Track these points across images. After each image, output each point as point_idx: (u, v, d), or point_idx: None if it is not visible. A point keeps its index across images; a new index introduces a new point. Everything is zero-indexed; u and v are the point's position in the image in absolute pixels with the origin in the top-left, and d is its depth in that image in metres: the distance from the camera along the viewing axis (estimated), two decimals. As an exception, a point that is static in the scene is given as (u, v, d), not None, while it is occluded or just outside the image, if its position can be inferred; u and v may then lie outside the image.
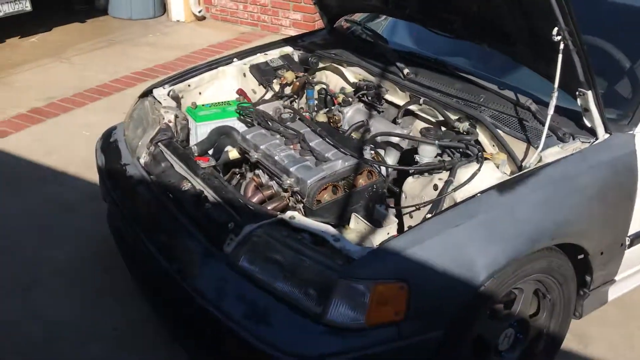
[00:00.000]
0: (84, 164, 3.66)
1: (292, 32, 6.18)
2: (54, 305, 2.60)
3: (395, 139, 2.33)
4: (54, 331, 2.47)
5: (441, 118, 2.33)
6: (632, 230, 2.17)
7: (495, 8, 2.02)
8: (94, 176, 3.52)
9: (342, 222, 2.05)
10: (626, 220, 2.13)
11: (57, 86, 4.86)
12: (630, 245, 2.20)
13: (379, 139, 2.33)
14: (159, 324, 2.44)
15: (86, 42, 5.97)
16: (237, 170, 2.56)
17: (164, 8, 6.92)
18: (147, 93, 2.76)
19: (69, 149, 3.88)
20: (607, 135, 2.08)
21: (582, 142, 2.08)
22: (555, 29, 1.81)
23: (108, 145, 2.66)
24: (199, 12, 6.78)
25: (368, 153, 2.21)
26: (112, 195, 2.40)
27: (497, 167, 2.04)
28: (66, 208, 3.27)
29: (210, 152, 2.53)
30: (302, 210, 2.08)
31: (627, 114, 2.17)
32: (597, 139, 2.08)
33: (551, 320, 2.14)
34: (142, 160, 2.42)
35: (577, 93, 1.99)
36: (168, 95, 2.73)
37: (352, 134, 2.43)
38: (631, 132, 2.12)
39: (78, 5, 7.02)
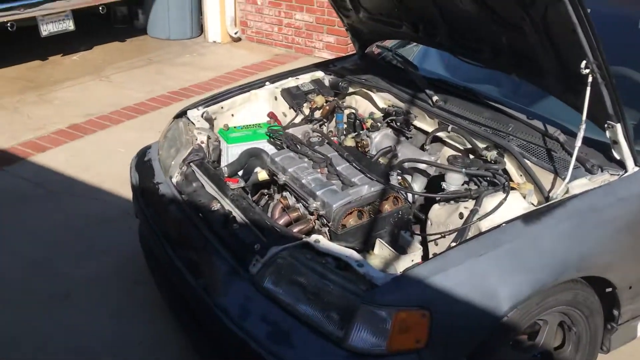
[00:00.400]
0: (119, 180, 3.76)
1: (326, 55, 6.27)
2: (85, 317, 2.67)
3: (422, 166, 2.35)
4: (83, 343, 2.53)
5: (469, 146, 2.34)
6: (662, 265, 2.14)
7: (524, 40, 2.04)
8: (128, 192, 3.61)
9: (366, 247, 2.07)
10: (656, 255, 2.10)
11: (96, 103, 5.02)
12: (661, 280, 2.17)
13: (406, 164, 2.35)
14: (184, 338, 2.49)
15: (125, 61, 6.15)
16: (266, 191, 2.61)
17: (201, 29, 7.09)
18: (182, 114, 2.83)
19: (105, 165, 3.99)
20: (637, 169, 2.06)
21: (611, 174, 2.07)
22: (584, 62, 1.82)
23: (142, 163, 2.74)
24: (235, 33, 6.93)
25: (395, 179, 2.23)
26: (145, 212, 2.47)
27: (524, 197, 2.04)
28: (100, 222, 3.36)
29: (240, 173, 2.59)
30: (328, 233, 2.11)
31: (659, 146, 2.16)
32: (626, 171, 2.06)
33: (577, 353, 2.11)
34: (174, 180, 2.49)
35: (605, 125, 1.99)
36: (202, 116, 2.80)
37: (379, 159, 2.46)
38: (662, 165, 2.10)
39: (118, 25, 7.26)
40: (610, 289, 2.09)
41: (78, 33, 6.02)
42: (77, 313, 2.70)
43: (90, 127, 4.58)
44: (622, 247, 2.00)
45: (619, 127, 1.96)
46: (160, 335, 2.57)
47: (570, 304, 1.94)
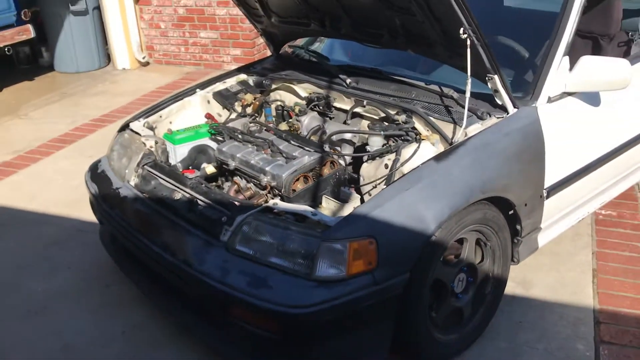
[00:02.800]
0: (63, 204, 3.98)
1: (235, 67, 6.63)
2: (66, 322, 2.88)
3: (348, 136, 2.79)
4: (70, 342, 2.76)
5: (383, 115, 2.79)
6: (547, 184, 2.68)
7: (413, 19, 2.52)
8: (75, 213, 3.86)
9: (315, 204, 2.47)
10: (541, 176, 2.63)
11: (21, 140, 5.13)
12: (548, 197, 2.70)
13: (334, 137, 2.77)
14: (164, 321, 2.79)
15: (39, 98, 6.25)
16: (214, 184, 2.95)
17: (108, 58, 7.26)
18: (125, 127, 3.12)
19: (46, 193, 4.17)
20: (515, 110, 2.59)
21: (497, 117, 2.58)
22: (462, 28, 2.31)
23: (97, 175, 3.00)
24: (143, 58, 7.16)
25: (328, 149, 2.65)
26: (111, 215, 2.74)
27: (433, 145, 2.51)
28: (56, 243, 3.55)
29: (191, 167, 2.93)
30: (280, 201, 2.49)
31: (529, 91, 2.70)
32: (508, 113, 2.59)
33: (494, 265, 2.61)
34: (132, 183, 2.79)
35: (486, 78, 2.50)
36: (144, 126, 3.10)
37: (311, 137, 2.87)
38: (534, 105, 2.64)
39: (23, 65, 7.29)
40: (512, 212, 2.61)
41: (-18, 78, 6.06)
42: (57, 320, 2.91)
43: (22, 162, 4.70)
44: (513, 172, 2.51)
45: (496, 77, 2.47)
46: (141, 323, 2.84)
47: (482, 221, 2.43)
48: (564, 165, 2.75)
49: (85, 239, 3.56)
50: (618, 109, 2.98)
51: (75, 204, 3.93)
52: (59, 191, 4.19)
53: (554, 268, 3.13)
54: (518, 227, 2.65)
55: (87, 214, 3.57)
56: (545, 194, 2.68)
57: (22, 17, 6.31)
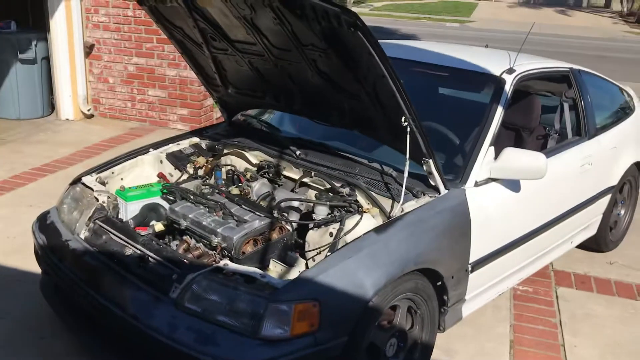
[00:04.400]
0: (0, 253, 3.93)
1: (180, 126, 6.80)
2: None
3: (296, 203, 2.99)
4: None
5: (328, 186, 3.02)
6: (472, 259, 2.96)
7: (361, 104, 2.80)
8: (13, 262, 3.83)
9: (263, 267, 2.63)
10: (467, 252, 2.91)
11: (-45, 186, 5.04)
12: (472, 271, 2.98)
13: (283, 204, 2.97)
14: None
15: (-24, 143, 6.15)
16: (161, 241, 3.06)
17: (52, 107, 7.25)
18: (77, 180, 3.22)
19: (-18, 240, 4.11)
20: (446, 191, 2.89)
21: (430, 196, 2.86)
22: (403, 117, 2.60)
23: (46, 226, 3.05)
24: (88, 110, 7.20)
25: (277, 215, 2.84)
26: (59, 266, 2.79)
27: (373, 217, 2.75)
28: (-9, 292, 3.52)
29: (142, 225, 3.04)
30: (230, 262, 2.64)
31: (459, 175, 3.02)
32: (440, 193, 2.88)
33: (423, 331, 2.83)
34: (82, 236, 2.87)
35: (422, 162, 2.79)
36: (96, 181, 3.21)
37: (261, 203, 3.05)
38: (463, 187, 2.96)
39: (-41, 108, 7.16)
40: (440, 282, 2.85)
41: None
42: (-10, 371, 2.88)
43: (-44, 208, 4.62)
44: (443, 246, 2.78)
45: (431, 162, 2.77)
46: (78, 376, 2.86)
47: (413, 290, 2.66)
48: (487, 243, 3.05)
49: (21, 288, 3.54)
50: (536, 196, 3.34)
51: (14, 253, 3.90)
52: (-4, 239, 4.14)
53: (476, 338, 3.38)
54: (445, 297, 2.89)
55: (26, 264, 3.58)
56: (470, 268, 2.96)
57: (-33, 60, 6.29)
